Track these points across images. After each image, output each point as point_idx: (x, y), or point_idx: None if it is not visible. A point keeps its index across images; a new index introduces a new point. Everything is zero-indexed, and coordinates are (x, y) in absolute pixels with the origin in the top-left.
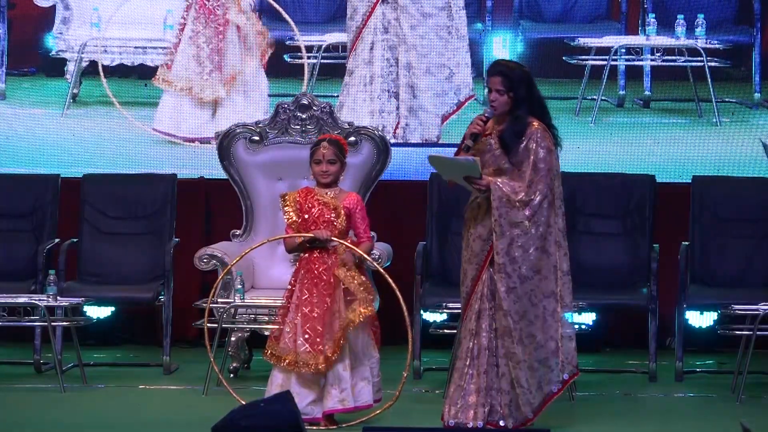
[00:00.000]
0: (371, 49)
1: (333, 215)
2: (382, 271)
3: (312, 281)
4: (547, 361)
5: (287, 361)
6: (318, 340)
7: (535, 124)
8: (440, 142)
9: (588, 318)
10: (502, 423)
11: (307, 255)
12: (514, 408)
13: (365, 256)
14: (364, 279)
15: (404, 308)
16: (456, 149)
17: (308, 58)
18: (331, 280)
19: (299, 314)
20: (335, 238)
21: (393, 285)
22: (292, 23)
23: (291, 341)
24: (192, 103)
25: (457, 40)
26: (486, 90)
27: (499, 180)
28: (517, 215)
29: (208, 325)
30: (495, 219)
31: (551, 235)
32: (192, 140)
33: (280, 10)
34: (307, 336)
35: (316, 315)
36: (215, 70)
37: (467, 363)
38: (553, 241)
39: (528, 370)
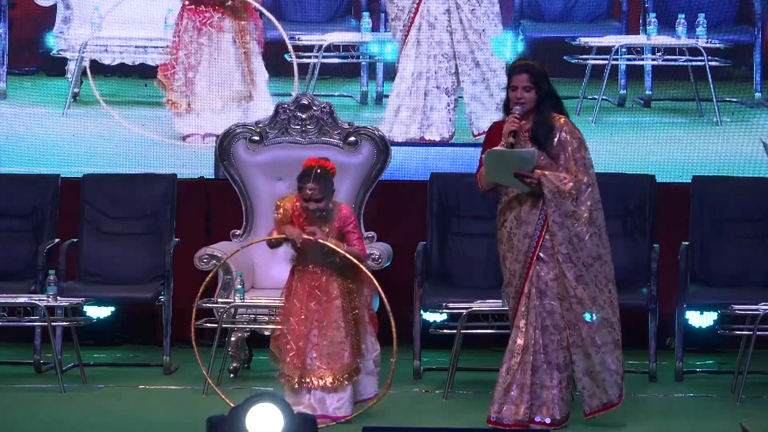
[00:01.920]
0: (417, 45)
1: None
2: (365, 270)
3: (305, 296)
4: (619, 342)
5: (281, 371)
6: (315, 357)
7: (562, 119)
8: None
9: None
10: (548, 420)
11: (300, 267)
12: (600, 391)
13: (339, 249)
14: (366, 297)
15: (387, 306)
16: (482, 150)
17: (309, 57)
18: (325, 297)
19: (288, 323)
20: (307, 236)
21: (376, 283)
22: (275, 21)
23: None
24: (189, 103)
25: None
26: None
27: (546, 172)
28: (569, 205)
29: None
30: (552, 210)
31: (599, 220)
32: (193, 136)
33: (262, 9)
34: (288, 347)
35: (301, 329)
36: (209, 69)
37: (515, 360)
38: (601, 226)
39: (611, 353)
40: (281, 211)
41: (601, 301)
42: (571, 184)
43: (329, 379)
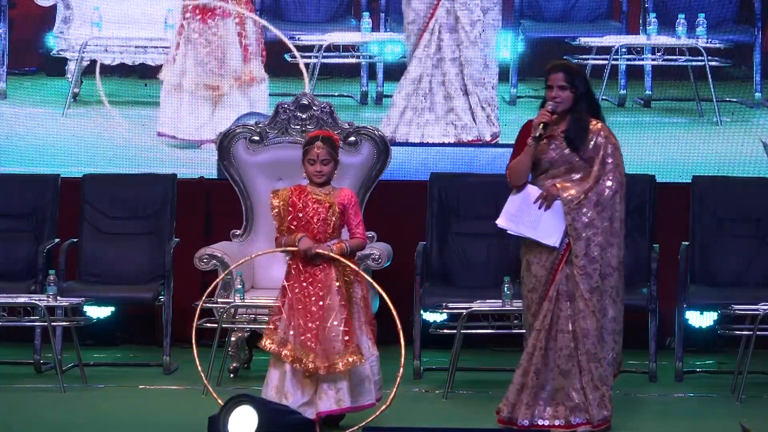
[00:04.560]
0: (429, 48)
1: (329, 213)
2: (373, 282)
3: (307, 279)
4: (613, 353)
5: (285, 352)
6: (310, 338)
7: (599, 124)
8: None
9: None
10: (557, 423)
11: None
12: (594, 406)
13: (350, 263)
14: (362, 293)
15: (394, 311)
16: (512, 151)
17: (309, 57)
18: (325, 280)
19: (292, 312)
20: (320, 250)
21: (379, 289)
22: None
23: (285, 334)
24: (191, 104)
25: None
26: (546, 89)
27: (559, 184)
28: (587, 214)
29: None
30: (569, 224)
31: (623, 230)
32: (195, 142)
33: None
34: (299, 333)
35: (308, 314)
36: (214, 69)
37: (530, 362)
38: (622, 236)
39: (608, 366)
40: (278, 199)
41: (613, 312)
42: (591, 192)
43: (325, 364)
